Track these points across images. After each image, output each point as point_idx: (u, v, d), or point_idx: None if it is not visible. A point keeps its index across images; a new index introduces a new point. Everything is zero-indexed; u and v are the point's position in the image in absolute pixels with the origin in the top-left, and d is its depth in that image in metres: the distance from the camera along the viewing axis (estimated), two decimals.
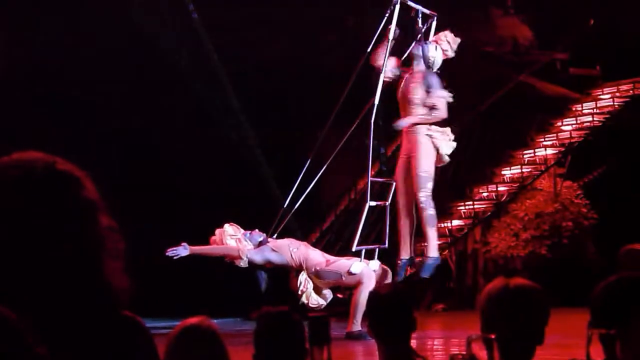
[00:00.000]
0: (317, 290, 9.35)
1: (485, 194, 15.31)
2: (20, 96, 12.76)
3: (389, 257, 10.05)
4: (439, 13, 10.06)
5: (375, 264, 9.47)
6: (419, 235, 10.14)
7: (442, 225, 14.10)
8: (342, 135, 10.41)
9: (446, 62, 9.95)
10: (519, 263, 14.35)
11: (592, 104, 16.20)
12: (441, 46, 9.79)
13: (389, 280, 9.34)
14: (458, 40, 9.88)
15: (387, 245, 10.02)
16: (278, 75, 14.23)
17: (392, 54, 9.68)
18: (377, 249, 9.84)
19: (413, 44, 9.86)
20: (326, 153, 10.50)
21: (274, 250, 9.40)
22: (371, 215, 10.37)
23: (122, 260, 1.62)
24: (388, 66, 9.62)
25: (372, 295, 3.72)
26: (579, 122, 15.89)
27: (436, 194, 9.94)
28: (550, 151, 15.39)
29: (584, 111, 16.19)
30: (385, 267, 9.66)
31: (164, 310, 10.12)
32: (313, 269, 9.27)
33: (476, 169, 15.53)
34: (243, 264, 9.32)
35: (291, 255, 9.34)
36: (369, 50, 9.81)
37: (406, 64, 9.89)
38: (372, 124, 9.55)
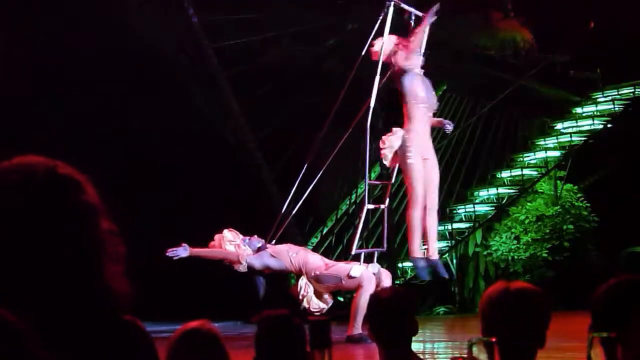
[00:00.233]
0: (318, 295, 9.33)
1: (486, 197, 15.32)
2: (20, 96, 12.75)
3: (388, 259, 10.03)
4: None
5: (374, 266, 9.46)
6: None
7: (443, 228, 14.11)
8: (342, 138, 10.40)
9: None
10: (520, 266, 14.36)
11: (592, 107, 16.21)
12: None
13: (389, 283, 9.32)
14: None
15: (385, 248, 10.00)
16: (278, 79, 14.24)
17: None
18: (375, 252, 9.82)
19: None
20: (326, 157, 10.49)
21: (273, 256, 9.39)
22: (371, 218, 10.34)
23: (123, 264, 1.62)
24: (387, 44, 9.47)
25: (373, 298, 3.71)
26: (579, 125, 15.90)
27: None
28: (550, 154, 15.40)
29: (584, 114, 16.21)
30: (385, 270, 9.65)
31: (165, 313, 10.11)
32: (313, 274, 9.25)
33: (477, 171, 15.55)
34: (242, 269, 9.31)
35: (290, 260, 9.33)
36: (362, 53, 9.79)
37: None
38: (369, 127, 9.54)
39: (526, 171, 15.33)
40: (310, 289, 9.27)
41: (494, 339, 2.57)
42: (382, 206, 9.94)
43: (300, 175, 10.05)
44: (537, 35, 16.18)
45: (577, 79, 16.65)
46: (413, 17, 9.81)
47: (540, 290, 2.78)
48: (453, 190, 15.13)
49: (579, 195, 14.66)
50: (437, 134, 12.21)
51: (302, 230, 13.92)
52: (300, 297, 9.24)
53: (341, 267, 9.30)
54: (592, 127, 15.66)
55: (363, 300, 8.61)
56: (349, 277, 9.15)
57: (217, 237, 9.37)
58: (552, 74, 16.43)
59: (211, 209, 13.11)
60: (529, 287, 2.76)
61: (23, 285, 1.51)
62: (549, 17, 15.97)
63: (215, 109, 14.43)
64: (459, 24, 14.04)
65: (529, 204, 14.63)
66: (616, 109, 15.82)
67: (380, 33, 9.64)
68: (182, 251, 8.95)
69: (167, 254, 8.94)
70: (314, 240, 14.42)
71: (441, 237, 13.79)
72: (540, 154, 15.56)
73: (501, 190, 15.16)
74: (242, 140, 14.26)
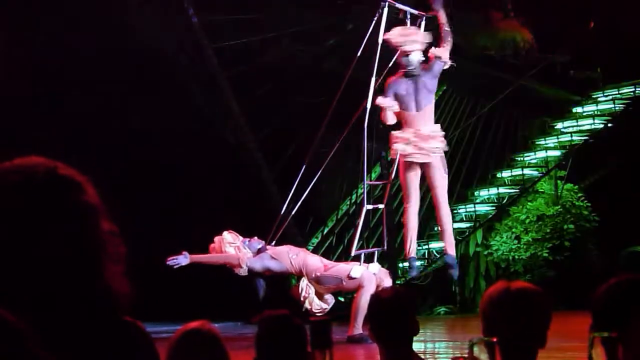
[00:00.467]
0: (319, 296, 9.33)
1: (486, 197, 15.31)
2: (20, 96, 12.74)
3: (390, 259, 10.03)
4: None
5: (375, 266, 9.45)
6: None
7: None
8: (343, 139, 10.39)
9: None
10: (521, 265, 14.36)
11: (593, 106, 16.20)
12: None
13: (389, 283, 9.31)
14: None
15: (386, 247, 9.99)
16: (278, 79, 14.23)
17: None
18: (375, 252, 9.81)
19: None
20: (326, 157, 10.48)
21: (273, 257, 9.38)
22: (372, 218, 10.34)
23: (123, 264, 1.62)
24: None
25: (374, 298, 3.71)
26: (579, 124, 15.89)
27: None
28: (551, 153, 15.39)
29: (584, 113, 16.20)
30: (385, 269, 9.65)
31: (165, 314, 10.11)
32: (313, 275, 9.25)
33: (477, 171, 15.54)
34: (243, 272, 9.30)
35: (291, 262, 9.33)
36: (359, 53, 9.78)
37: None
38: (366, 128, 9.52)
39: (527, 171, 15.33)
40: (312, 290, 9.26)
41: (494, 339, 2.57)
42: (381, 206, 9.93)
43: (300, 176, 10.03)
44: (537, 35, 16.16)
45: (577, 78, 16.63)
46: (409, 16, 9.80)
47: (541, 290, 2.77)
48: (453, 190, 15.11)
49: (579, 194, 14.65)
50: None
51: (302, 231, 13.91)
52: (302, 299, 9.23)
53: (341, 268, 9.30)
54: (593, 126, 15.65)
55: (364, 301, 8.60)
56: (350, 277, 9.15)
57: (217, 239, 9.35)
58: (552, 73, 16.42)
59: (211, 209, 13.10)
60: (530, 286, 2.75)
61: (23, 286, 1.51)
62: (549, 17, 15.96)
63: (215, 109, 14.42)
64: (459, 24, 14.03)
65: (529, 203, 14.63)
66: (617, 108, 15.81)
67: (375, 33, 9.64)
68: (183, 259, 8.94)
69: (167, 262, 8.93)
70: (315, 241, 14.41)
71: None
72: (541, 154, 15.55)
73: (502, 190, 15.15)
74: (242, 140, 14.25)
